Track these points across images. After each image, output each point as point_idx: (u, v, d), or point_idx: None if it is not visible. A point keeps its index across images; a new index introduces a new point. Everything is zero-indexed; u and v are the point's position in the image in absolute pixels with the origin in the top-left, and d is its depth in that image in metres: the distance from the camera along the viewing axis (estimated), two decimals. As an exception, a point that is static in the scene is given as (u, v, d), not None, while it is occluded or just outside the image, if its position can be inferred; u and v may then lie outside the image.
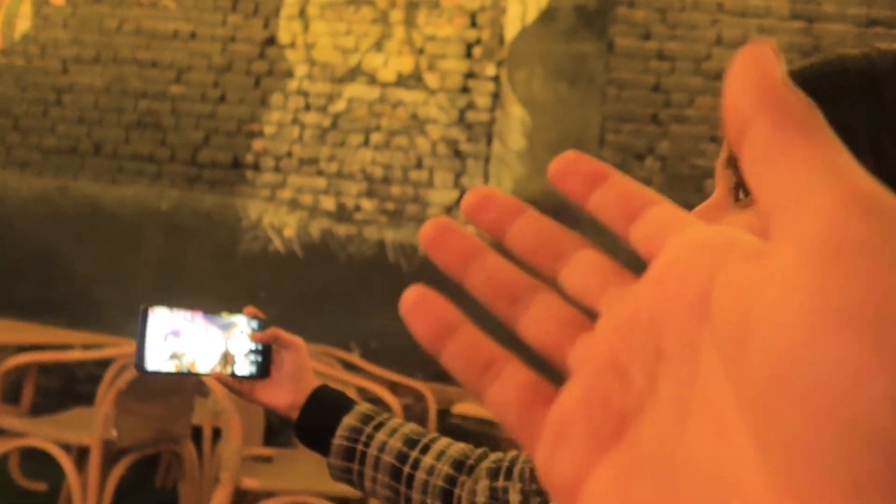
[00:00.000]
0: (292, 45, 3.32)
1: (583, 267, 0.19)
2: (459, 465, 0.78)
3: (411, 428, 0.81)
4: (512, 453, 0.78)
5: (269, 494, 1.92)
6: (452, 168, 3.16)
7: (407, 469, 0.77)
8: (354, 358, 2.94)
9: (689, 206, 0.51)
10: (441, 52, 3.21)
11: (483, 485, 0.75)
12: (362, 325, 3.09)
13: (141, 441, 2.12)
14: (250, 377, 0.81)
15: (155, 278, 3.28)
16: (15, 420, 2.28)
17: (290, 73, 3.32)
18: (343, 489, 1.84)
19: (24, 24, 3.53)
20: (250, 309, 0.84)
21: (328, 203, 3.22)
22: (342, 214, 3.21)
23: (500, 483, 0.75)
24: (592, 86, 3.13)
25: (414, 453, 0.78)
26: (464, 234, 0.20)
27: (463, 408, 2.43)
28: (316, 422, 0.80)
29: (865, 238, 0.12)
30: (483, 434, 2.15)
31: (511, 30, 3.20)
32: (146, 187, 3.37)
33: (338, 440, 0.79)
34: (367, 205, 3.20)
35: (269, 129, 3.30)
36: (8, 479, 2.63)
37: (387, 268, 3.13)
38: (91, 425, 2.05)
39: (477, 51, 3.19)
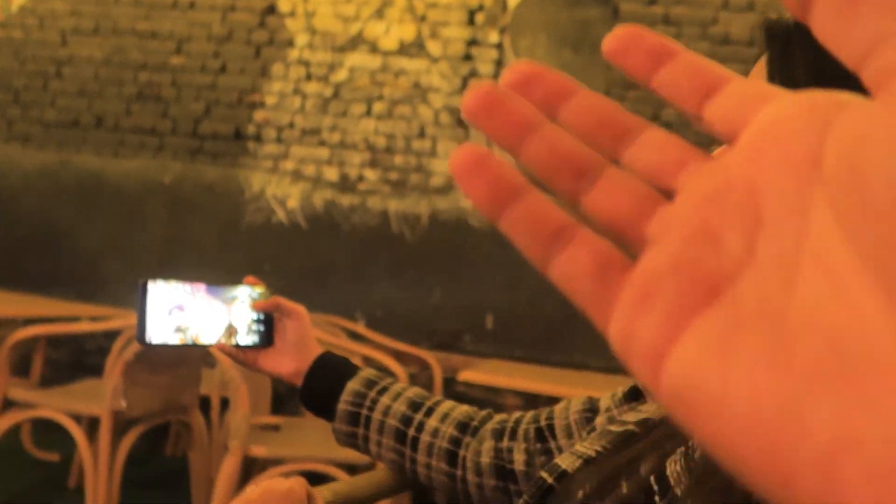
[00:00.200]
0: (292, 13, 3.28)
1: (653, 145, 0.18)
2: (464, 426, 0.78)
3: (415, 392, 0.81)
4: (516, 414, 0.79)
5: (278, 462, 1.95)
6: (455, 137, 3.14)
7: (412, 432, 0.78)
8: (360, 328, 2.96)
9: None
10: (443, 19, 3.17)
11: (488, 445, 0.76)
12: (367, 294, 3.10)
13: (150, 411, 2.14)
14: (254, 346, 0.81)
15: (159, 251, 3.29)
16: (25, 392, 2.30)
17: (290, 43, 3.28)
18: (351, 455, 1.86)
19: (21, -5, 3.50)
20: (251, 279, 0.84)
21: (331, 174, 3.21)
22: (345, 185, 3.20)
23: (505, 444, 0.76)
24: (596, 52, 3.09)
25: (418, 416, 0.79)
26: (518, 100, 0.18)
27: (468, 375, 2.45)
28: (320, 388, 0.81)
29: None
30: (488, 402, 2.17)
31: (514, -5, 3.15)
32: (149, 160, 3.36)
33: (342, 405, 0.80)
34: (371, 175, 3.19)
35: (270, 100, 3.28)
36: (20, 449, 2.67)
37: (391, 238, 3.13)
38: (100, 396, 2.07)
39: (479, 17, 3.15)
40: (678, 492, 0.39)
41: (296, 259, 3.18)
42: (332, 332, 2.68)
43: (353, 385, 0.80)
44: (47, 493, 2.47)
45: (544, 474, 0.52)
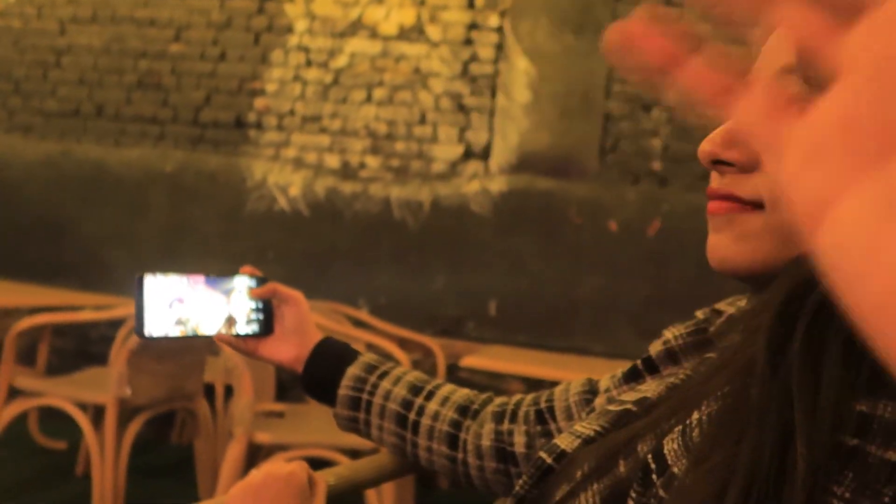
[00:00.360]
0: (291, -1, 3.26)
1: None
2: (464, 409, 0.78)
3: (416, 375, 0.81)
4: (516, 397, 0.79)
5: (282, 448, 1.96)
6: (457, 122, 3.13)
7: (412, 416, 0.78)
8: (363, 314, 2.96)
9: (697, 158, 0.50)
10: (443, 3, 3.15)
11: (488, 428, 0.76)
12: (370, 282, 3.11)
13: (154, 399, 2.15)
14: (254, 335, 0.82)
15: (162, 240, 3.29)
16: (31, 380, 2.32)
17: (289, 29, 3.27)
18: (355, 441, 1.87)
19: (19, -16, 3.48)
20: (247, 268, 0.83)
21: (332, 161, 3.21)
22: (347, 172, 3.19)
23: (505, 426, 0.76)
24: (599, 34, 3.06)
25: (419, 400, 0.79)
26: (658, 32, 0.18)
27: (471, 361, 2.45)
28: (321, 374, 0.81)
29: None
30: (491, 387, 2.17)
31: (514, -21, 3.13)
32: (150, 149, 3.35)
33: (343, 390, 0.80)
34: (372, 162, 3.18)
35: (270, 87, 3.27)
36: (28, 437, 2.69)
37: (393, 224, 3.13)
38: (105, 384, 2.08)
39: (479, 1, 3.13)
40: (676, 470, 0.39)
41: (298, 246, 3.18)
42: (336, 319, 2.69)
43: (353, 370, 0.80)
44: (55, 480, 2.49)
45: (543, 454, 0.52)
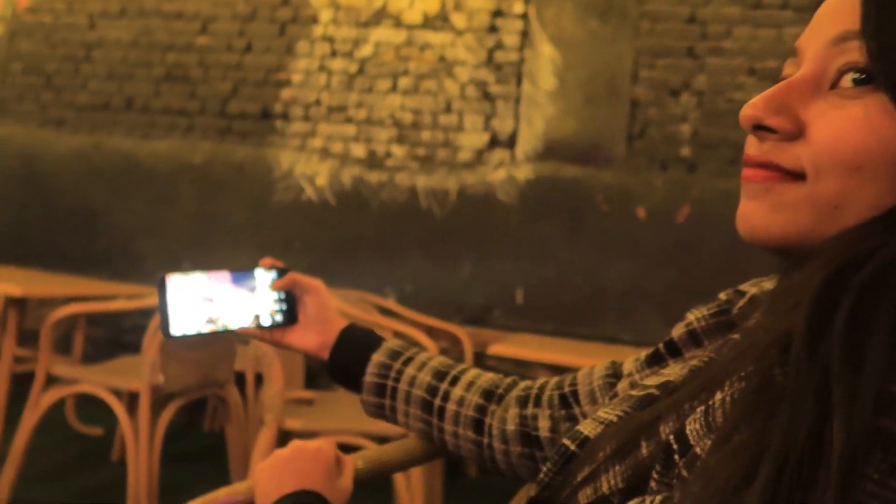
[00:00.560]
0: (316, -10, 3.27)
1: None
2: (489, 394, 0.78)
3: (440, 361, 0.82)
4: (540, 381, 0.79)
5: (312, 435, 1.98)
6: (482, 111, 3.12)
7: (437, 401, 0.79)
8: (390, 303, 2.98)
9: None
10: (467, -10, 3.13)
11: (513, 413, 0.76)
12: (397, 270, 3.12)
13: (186, 386, 2.19)
14: (278, 325, 0.83)
15: (191, 230, 3.34)
16: (68, 368, 2.37)
17: (314, 19, 3.28)
18: (384, 428, 1.89)
19: (49, -20, 3.54)
20: (267, 260, 0.84)
21: (358, 150, 3.22)
22: (373, 161, 3.20)
23: (530, 411, 0.76)
24: (625, 20, 3.04)
25: (444, 386, 0.79)
26: None
27: (498, 349, 2.45)
28: (346, 361, 0.82)
29: None
30: (519, 375, 2.17)
31: (539, -36, 3.10)
32: (179, 141, 3.39)
33: (368, 377, 0.81)
34: (398, 151, 3.18)
35: (296, 78, 3.29)
36: (65, 424, 2.76)
37: (419, 213, 3.13)
38: (139, 372, 2.13)
39: (504, -12, 3.11)
40: (698, 450, 0.38)
41: (325, 236, 3.20)
42: (364, 308, 2.71)
43: (378, 357, 0.81)
44: (92, 465, 2.55)
45: (567, 441, 0.52)
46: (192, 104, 3.40)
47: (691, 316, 0.62)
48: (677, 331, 0.63)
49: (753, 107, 0.46)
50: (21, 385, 2.41)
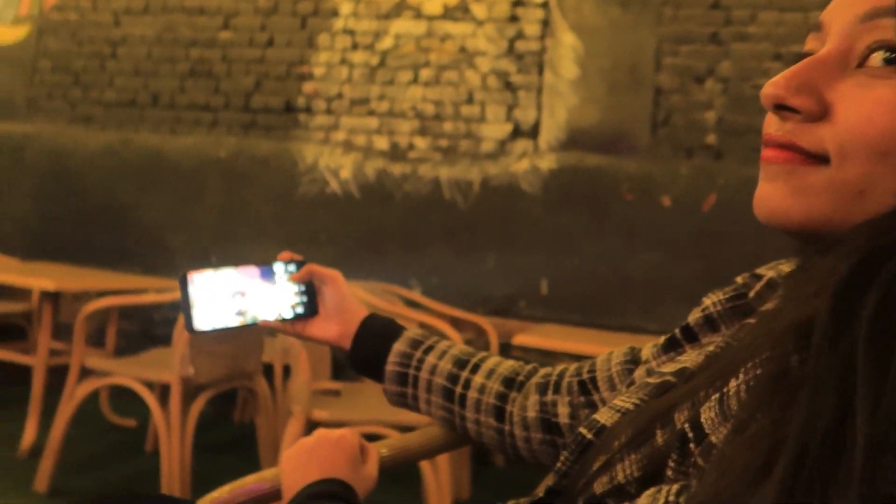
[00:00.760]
0: (337, -17, 3.28)
1: None
2: (510, 382, 0.79)
3: (461, 349, 0.82)
4: (560, 367, 0.79)
5: (340, 425, 2.00)
6: (504, 101, 3.11)
7: (459, 389, 0.79)
8: (415, 295, 2.99)
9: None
10: (488, -20, 3.12)
11: (533, 400, 0.77)
12: (421, 262, 3.13)
13: (216, 378, 2.23)
14: (300, 317, 0.84)
15: (218, 224, 3.38)
16: (101, 361, 2.42)
17: (335, 12, 3.29)
18: (410, 418, 1.90)
19: (76, -21, 3.59)
20: (286, 254, 0.85)
21: (381, 143, 3.23)
22: (396, 153, 3.21)
23: (549, 397, 0.76)
24: (647, 6, 3.00)
25: (464, 374, 0.79)
26: None
27: (523, 340, 2.46)
28: (368, 351, 0.82)
29: None
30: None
31: (560, -48, 3.07)
32: (204, 136, 3.44)
33: (390, 367, 0.81)
34: (421, 143, 3.19)
35: (318, 71, 3.31)
36: (99, 416, 2.82)
37: (443, 205, 3.14)
38: (170, 364, 2.17)
39: (525, -24, 3.09)
40: (713, 439, 0.38)
41: (350, 228, 3.22)
42: (389, 299, 2.72)
43: (398, 346, 0.82)
44: (126, 456, 2.61)
45: (583, 430, 0.52)
46: (216, 99, 3.43)
47: (707, 300, 0.62)
48: (693, 316, 0.62)
49: (775, 85, 0.44)
50: (56, 377, 2.47)
